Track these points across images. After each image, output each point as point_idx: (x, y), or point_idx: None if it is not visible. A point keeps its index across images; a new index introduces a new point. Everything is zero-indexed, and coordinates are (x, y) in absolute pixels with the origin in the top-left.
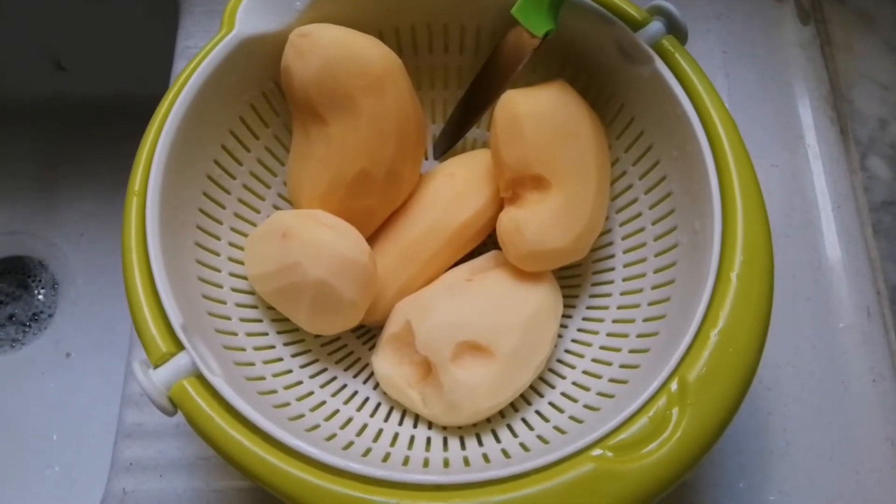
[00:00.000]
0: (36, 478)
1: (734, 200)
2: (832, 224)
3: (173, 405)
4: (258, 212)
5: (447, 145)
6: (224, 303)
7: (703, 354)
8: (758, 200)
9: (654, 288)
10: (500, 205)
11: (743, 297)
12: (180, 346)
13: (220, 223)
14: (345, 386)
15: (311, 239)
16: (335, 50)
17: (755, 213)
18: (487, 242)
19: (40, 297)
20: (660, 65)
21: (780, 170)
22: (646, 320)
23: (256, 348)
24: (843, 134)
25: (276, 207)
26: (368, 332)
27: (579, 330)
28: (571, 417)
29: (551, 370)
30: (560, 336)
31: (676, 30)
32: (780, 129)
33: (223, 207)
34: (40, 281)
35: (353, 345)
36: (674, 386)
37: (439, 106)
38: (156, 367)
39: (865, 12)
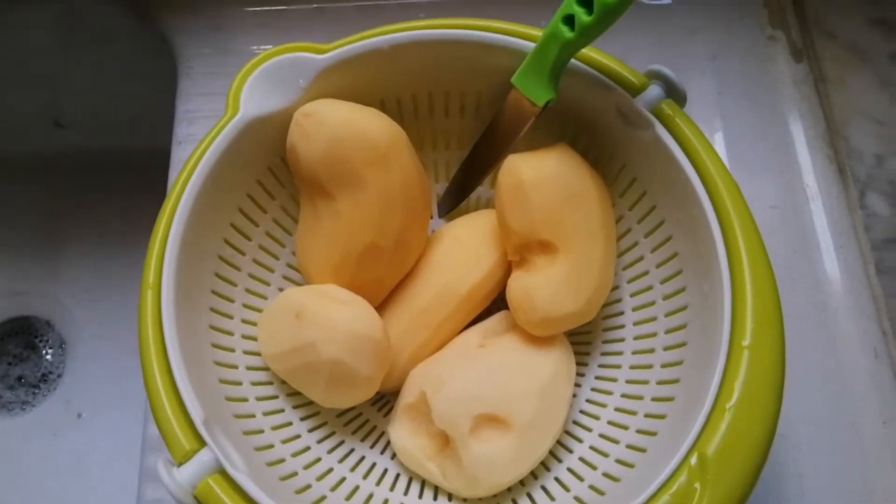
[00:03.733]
0: None
1: (742, 268)
2: (835, 265)
3: (199, 503)
4: (268, 284)
5: (451, 205)
6: (240, 384)
7: (720, 428)
8: (765, 266)
9: (666, 349)
10: (507, 266)
11: (756, 367)
12: (202, 442)
13: (232, 301)
14: (363, 458)
15: (324, 318)
16: (340, 128)
17: (763, 280)
18: (497, 299)
19: (48, 356)
20: (660, 130)
21: (780, 211)
22: (660, 383)
23: (274, 427)
24: (841, 172)
25: (286, 277)
26: (383, 399)
27: (593, 389)
28: (592, 487)
29: (568, 433)
30: (574, 395)
31: (675, 93)
32: (778, 169)
33: (235, 285)
34: (47, 340)
35: (367, 412)
36: (693, 460)
37: (442, 166)
38: (180, 464)
39: (856, 47)
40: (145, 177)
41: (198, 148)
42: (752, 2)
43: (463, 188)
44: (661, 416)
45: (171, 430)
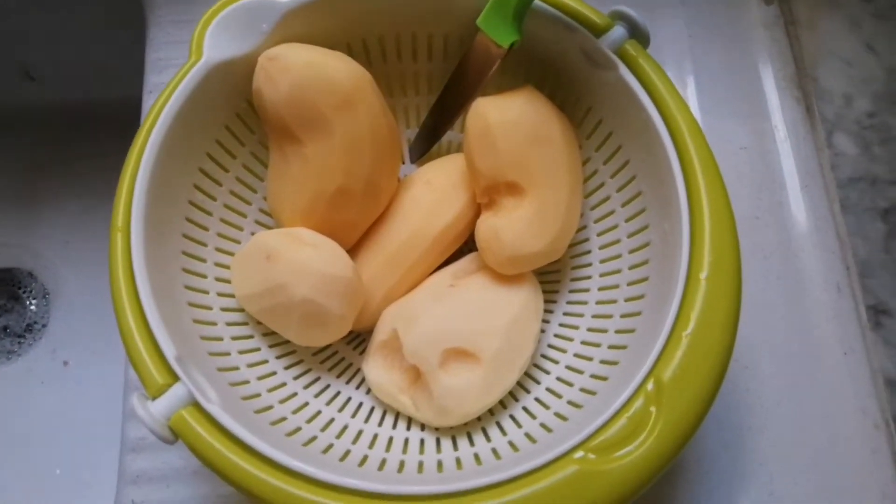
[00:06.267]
0: (42, 485)
1: (701, 206)
2: (801, 203)
3: (174, 434)
4: (241, 229)
5: (422, 150)
6: (215, 324)
7: (676, 355)
8: (724, 205)
9: (629, 284)
10: (477, 209)
11: (712, 298)
12: (176, 377)
13: (205, 245)
14: (338, 393)
15: (294, 259)
16: (304, 71)
17: (722, 218)
18: (468, 241)
19: (32, 307)
20: (623, 71)
21: (748, 152)
22: (623, 316)
23: (250, 365)
24: (809, 112)
25: (259, 223)
26: (358, 338)
27: (561, 325)
28: (556, 414)
29: (536, 366)
30: (543, 331)
31: (638, 34)
32: (748, 111)
33: (206, 230)
34: (31, 291)
35: (343, 351)
36: (650, 386)
37: (412, 111)
38: (154, 398)
39: None
40: (119, 127)
41: (163, 93)
42: None
43: (433, 132)
44: (623, 347)
45: (144, 365)
